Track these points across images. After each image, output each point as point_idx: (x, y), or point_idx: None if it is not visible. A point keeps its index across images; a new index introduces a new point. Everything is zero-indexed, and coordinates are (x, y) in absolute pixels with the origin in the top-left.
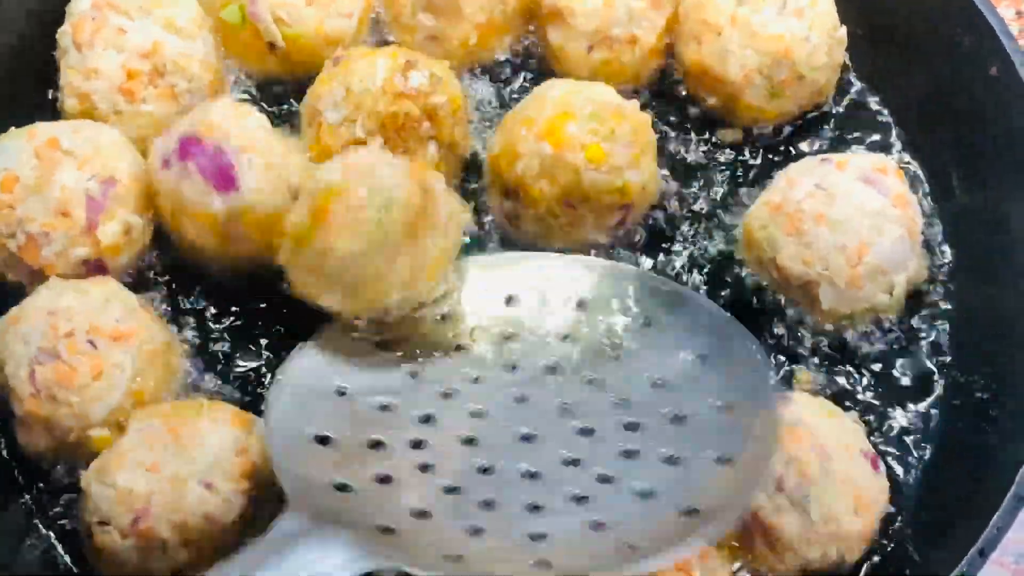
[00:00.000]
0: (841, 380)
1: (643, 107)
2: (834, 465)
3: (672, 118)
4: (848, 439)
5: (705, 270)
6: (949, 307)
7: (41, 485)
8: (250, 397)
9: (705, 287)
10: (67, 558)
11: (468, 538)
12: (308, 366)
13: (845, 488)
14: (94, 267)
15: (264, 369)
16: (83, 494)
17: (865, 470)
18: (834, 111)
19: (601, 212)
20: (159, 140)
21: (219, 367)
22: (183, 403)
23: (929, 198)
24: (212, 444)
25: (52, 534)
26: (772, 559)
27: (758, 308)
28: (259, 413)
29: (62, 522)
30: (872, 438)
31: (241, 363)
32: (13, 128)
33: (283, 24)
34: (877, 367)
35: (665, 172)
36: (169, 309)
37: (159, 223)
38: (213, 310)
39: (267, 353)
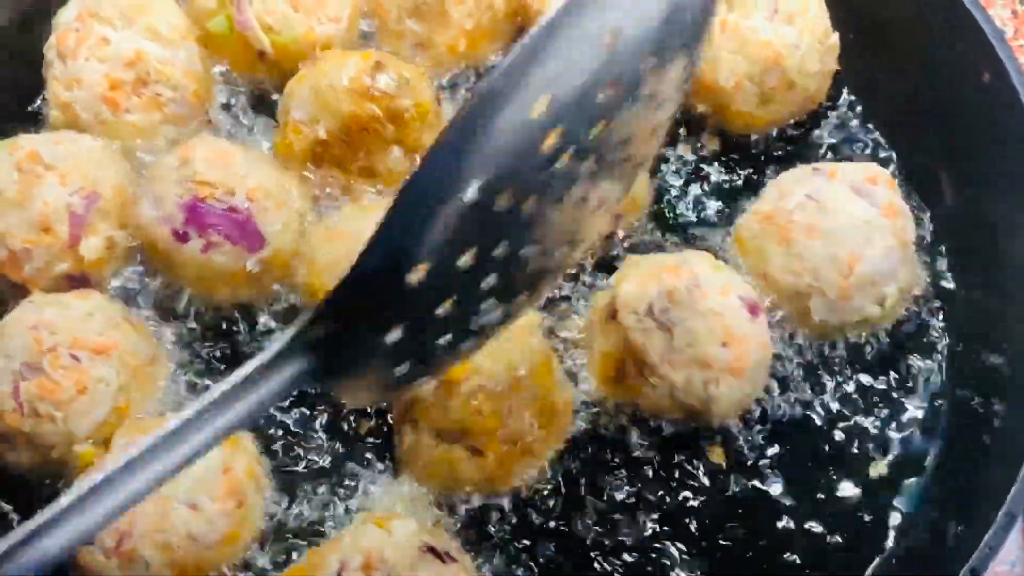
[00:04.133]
0: (829, 396)
1: None
2: (705, 298)
3: None
4: (726, 282)
5: None
6: (941, 317)
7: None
8: None
9: None
10: None
11: None
12: None
13: (713, 319)
14: (77, 281)
15: None
16: None
17: (739, 310)
18: (826, 117)
19: None
20: (150, 205)
21: (206, 381)
22: None
23: (921, 206)
24: (197, 463)
25: None
26: (644, 388)
27: None
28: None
29: None
30: (863, 456)
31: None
32: None
33: (271, 32)
34: (868, 381)
35: (654, 180)
36: (155, 322)
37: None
38: (200, 323)
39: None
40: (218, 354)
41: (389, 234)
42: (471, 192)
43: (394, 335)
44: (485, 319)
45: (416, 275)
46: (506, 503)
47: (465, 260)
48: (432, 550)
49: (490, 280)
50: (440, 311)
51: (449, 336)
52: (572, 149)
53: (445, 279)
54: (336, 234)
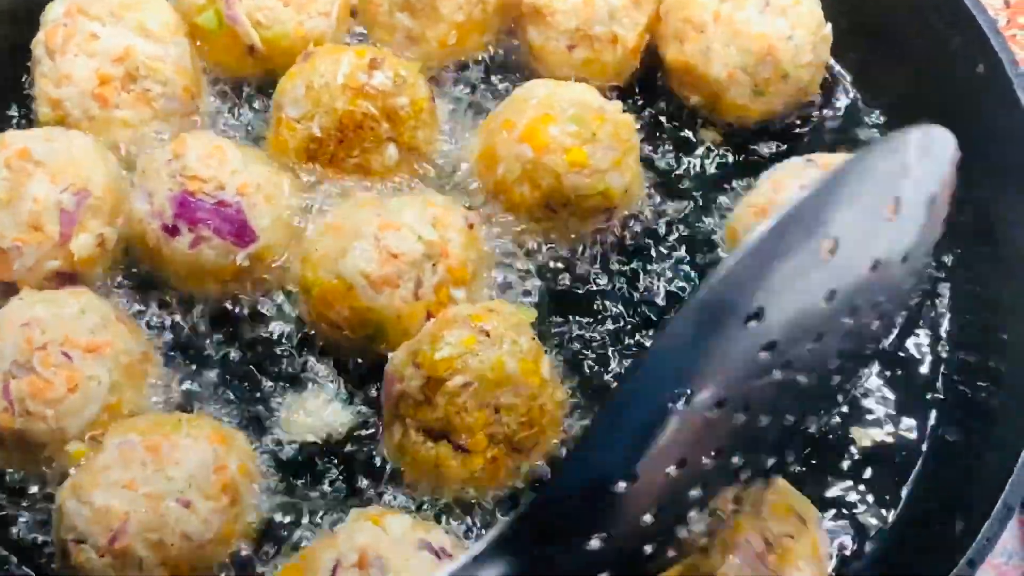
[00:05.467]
0: None
1: (625, 107)
2: None
3: (655, 118)
4: None
5: (691, 273)
6: (938, 312)
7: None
8: (228, 409)
9: (691, 288)
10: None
11: None
12: None
13: None
14: (68, 279)
15: (245, 381)
16: (59, 511)
17: None
18: (820, 109)
19: (584, 215)
20: (141, 199)
21: (198, 378)
22: (161, 417)
23: None
24: (190, 460)
25: (24, 553)
26: None
27: None
28: (238, 425)
29: (33, 541)
30: (860, 447)
31: (221, 375)
32: None
33: (261, 26)
34: (865, 371)
35: (649, 172)
36: (146, 319)
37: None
38: (192, 319)
39: (248, 365)
40: (210, 351)
41: (597, 444)
42: (681, 402)
43: (594, 543)
44: (691, 529)
45: (622, 484)
46: (499, 499)
47: (673, 469)
48: (427, 546)
49: (696, 491)
50: (645, 520)
51: (652, 545)
52: (785, 363)
53: (651, 489)
54: (330, 230)
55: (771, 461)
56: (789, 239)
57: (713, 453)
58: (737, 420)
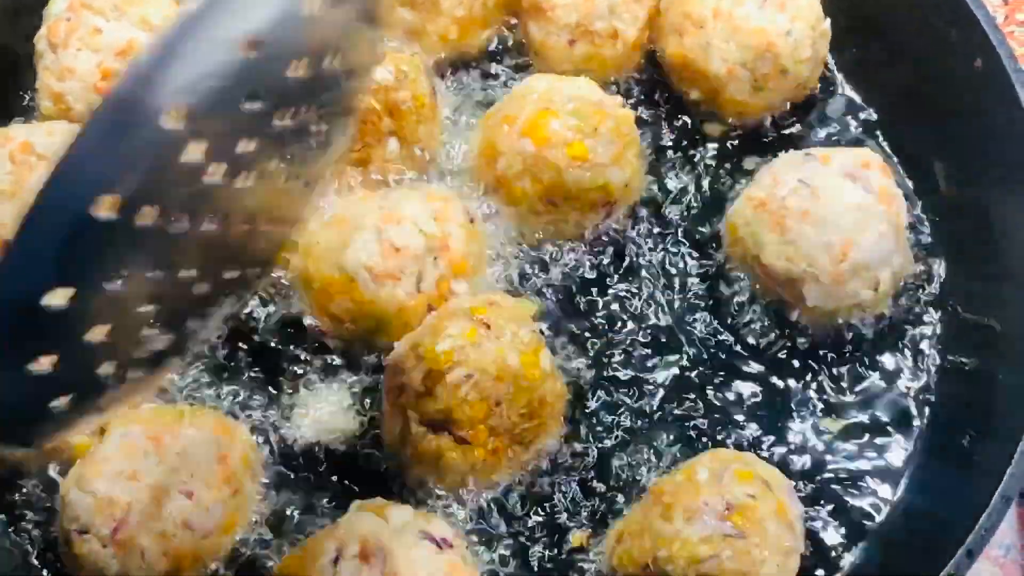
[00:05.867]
0: (825, 381)
1: (625, 101)
2: None
3: (655, 112)
4: None
5: (689, 266)
6: (934, 303)
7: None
8: (230, 401)
9: (689, 282)
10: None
11: None
12: None
13: None
14: None
15: (246, 373)
16: (62, 502)
17: None
18: (818, 104)
19: (584, 209)
20: None
21: (199, 370)
22: (164, 408)
23: (914, 192)
24: (193, 452)
25: (27, 542)
26: None
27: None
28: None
29: (36, 531)
30: (858, 439)
31: (222, 367)
32: None
33: None
34: (862, 367)
35: (649, 166)
36: None
37: None
38: None
39: (249, 357)
40: (211, 343)
41: (20, 255)
42: (104, 210)
43: (39, 366)
44: (151, 347)
45: (55, 299)
46: (500, 492)
47: (113, 284)
48: (428, 536)
49: (149, 306)
50: (91, 338)
51: (111, 366)
52: (221, 162)
53: (92, 304)
54: (332, 223)
55: (232, 275)
56: (199, 34)
57: (160, 265)
58: (177, 229)
